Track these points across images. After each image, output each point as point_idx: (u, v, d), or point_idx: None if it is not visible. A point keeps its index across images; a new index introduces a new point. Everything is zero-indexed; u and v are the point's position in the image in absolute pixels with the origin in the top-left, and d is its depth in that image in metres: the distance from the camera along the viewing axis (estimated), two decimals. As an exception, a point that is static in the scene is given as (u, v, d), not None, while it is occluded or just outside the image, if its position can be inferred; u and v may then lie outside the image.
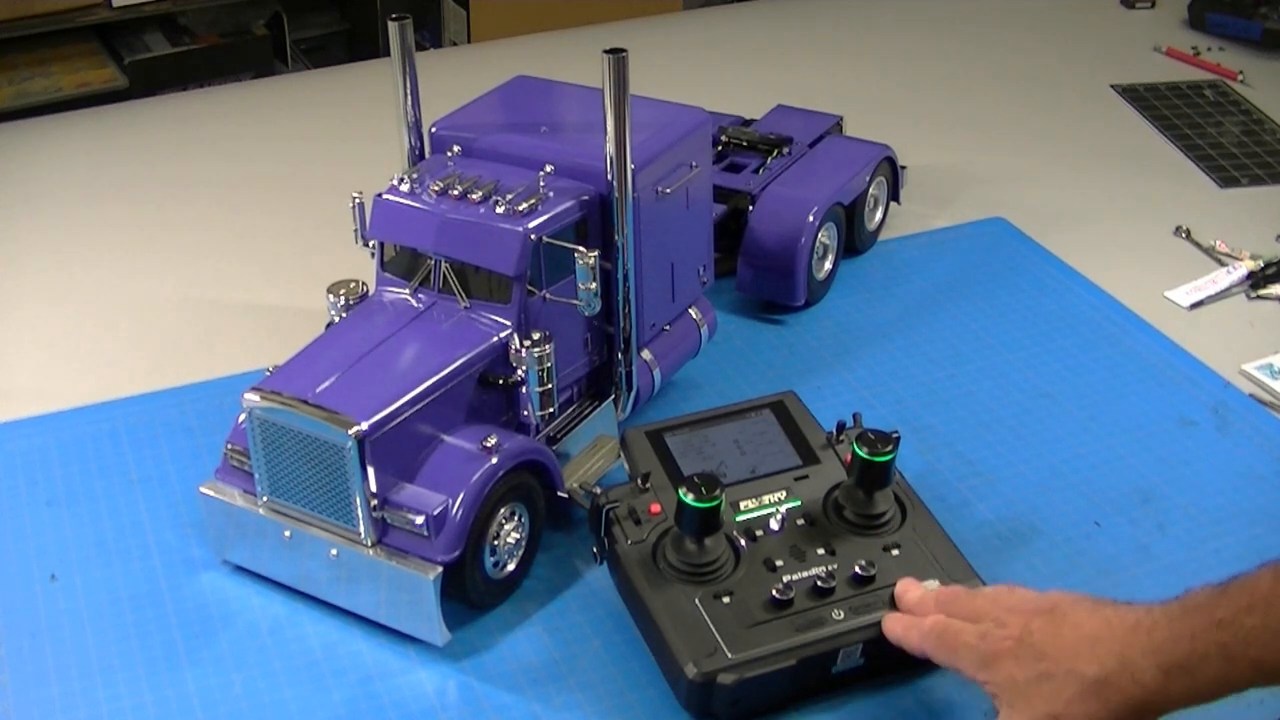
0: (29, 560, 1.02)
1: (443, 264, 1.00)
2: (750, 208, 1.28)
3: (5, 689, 0.92)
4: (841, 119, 1.46)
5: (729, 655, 0.86)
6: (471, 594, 0.94)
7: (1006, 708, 0.80)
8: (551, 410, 1.00)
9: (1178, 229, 1.43)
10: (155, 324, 1.30)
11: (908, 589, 0.89)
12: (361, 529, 0.92)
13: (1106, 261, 1.37)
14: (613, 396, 1.08)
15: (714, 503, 0.89)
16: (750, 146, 1.37)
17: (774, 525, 0.95)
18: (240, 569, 1.00)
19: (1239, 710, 0.89)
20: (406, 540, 0.92)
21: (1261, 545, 1.02)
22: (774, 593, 0.90)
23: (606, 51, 0.96)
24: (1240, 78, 1.78)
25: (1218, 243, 1.40)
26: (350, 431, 0.90)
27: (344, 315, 1.03)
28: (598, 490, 0.96)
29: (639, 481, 0.97)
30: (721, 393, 1.18)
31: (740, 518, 0.95)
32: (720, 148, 1.37)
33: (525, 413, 1.00)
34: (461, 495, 0.91)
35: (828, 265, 1.32)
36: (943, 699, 0.90)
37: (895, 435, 0.95)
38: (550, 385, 0.98)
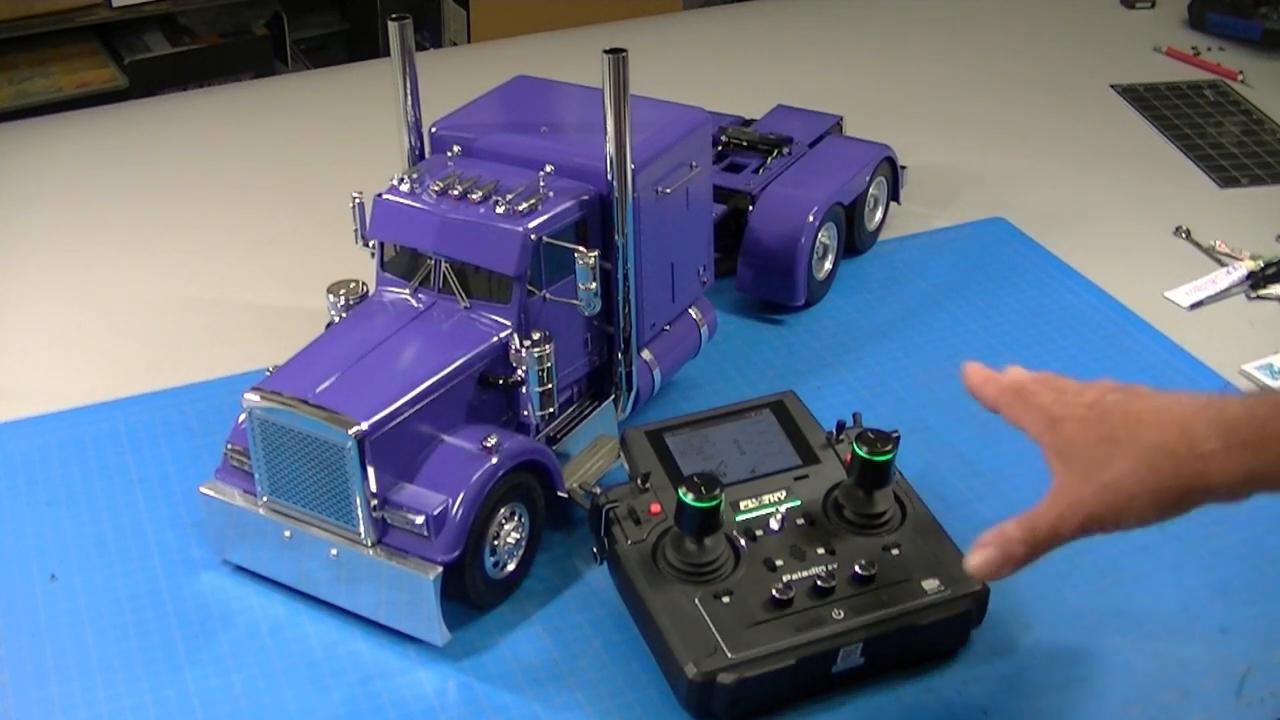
0: (29, 560, 1.02)
1: (443, 264, 1.00)
2: (750, 208, 1.28)
3: (5, 689, 0.92)
4: (841, 119, 1.46)
5: (729, 655, 0.86)
6: (471, 594, 0.94)
7: (1065, 471, 0.79)
8: (551, 410, 1.00)
9: (1178, 229, 1.43)
10: (155, 324, 1.30)
11: (974, 369, 0.88)
12: (361, 529, 0.92)
13: (1106, 261, 1.37)
14: (613, 396, 1.08)
15: (714, 502, 0.89)
16: (750, 146, 1.37)
17: (774, 525, 0.95)
18: (240, 569, 1.00)
19: (1239, 710, 0.89)
20: (406, 540, 0.92)
21: (1262, 545, 1.02)
22: (774, 592, 0.90)
23: (606, 51, 0.96)
24: (1240, 78, 1.78)
25: (1218, 243, 1.40)
26: (350, 431, 0.90)
27: (344, 315, 1.03)
28: (598, 490, 0.96)
29: (639, 481, 0.97)
30: (721, 393, 1.18)
31: (740, 518, 0.95)
32: (720, 148, 1.37)
33: (525, 413, 1.00)
34: (461, 495, 0.91)
35: (828, 265, 1.32)
36: (943, 699, 0.90)
37: (895, 435, 0.95)
38: (550, 385, 0.98)
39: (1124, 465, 0.76)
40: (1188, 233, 1.42)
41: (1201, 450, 0.74)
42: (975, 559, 0.80)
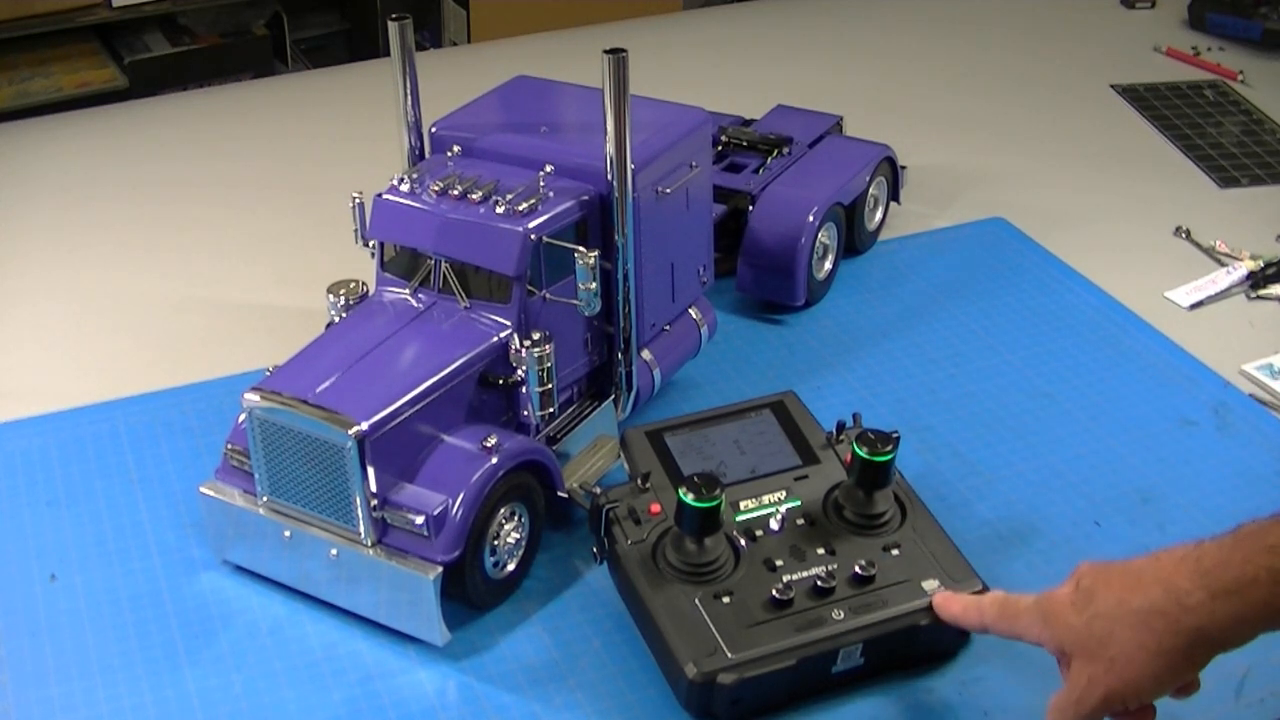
0: (29, 560, 1.02)
1: (443, 264, 1.00)
2: (750, 208, 1.28)
3: (5, 689, 0.92)
4: (841, 119, 1.46)
5: (729, 655, 0.86)
6: (471, 594, 0.94)
7: (1073, 660, 0.80)
8: (551, 410, 1.00)
9: (1178, 229, 1.43)
10: (155, 324, 1.30)
11: (948, 599, 0.90)
12: (361, 529, 0.92)
13: (1106, 261, 1.37)
14: (613, 396, 1.08)
15: (714, 502, 0.89)
16: (750, 146, 1.37)
17: (774, 525, 0.95)
18: (240, 569, 1.00)
19: (1239, 710, 0.89)
20: (406, 540, 0.92)
21: (1261, 545, 1.02)
22: (774, 593, 0.90)
23: (606, 51, 0.96)
24: (1240, 78, 1.78)
25: (1218, 243, 1.40)
26: (350, 431, 0.90)
27: (344, 315, 1.03)
28: (598, 490, 0.96)
29: (639, 481, 0.97)
30: (721, 393, 1.18)
31: (740, 518, 0.95)
32: (720, 148, 1.37)
33: (525, 413, 1.00)
34: (461, 495, 0.91)
35: (828, 265, 1.32)
36: (943, 699, 0.90)
37: (895, 435, 0.95)
38: (550, 385, 0.98)
39: (1122, 635, 0.77)
40: (1188, 233, 1.42)
41: (1188, 604, 0.75)
42: None
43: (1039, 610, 0.82)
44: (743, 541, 0.93)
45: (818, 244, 1.28)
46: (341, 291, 1.04)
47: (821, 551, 0.93)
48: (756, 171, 1.33)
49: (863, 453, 0.94)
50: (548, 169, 1.02)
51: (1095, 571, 0.80)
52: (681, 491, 0.90)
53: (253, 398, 0.93)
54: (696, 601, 0.89)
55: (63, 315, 1.32)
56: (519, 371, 0.98)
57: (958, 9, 2.01)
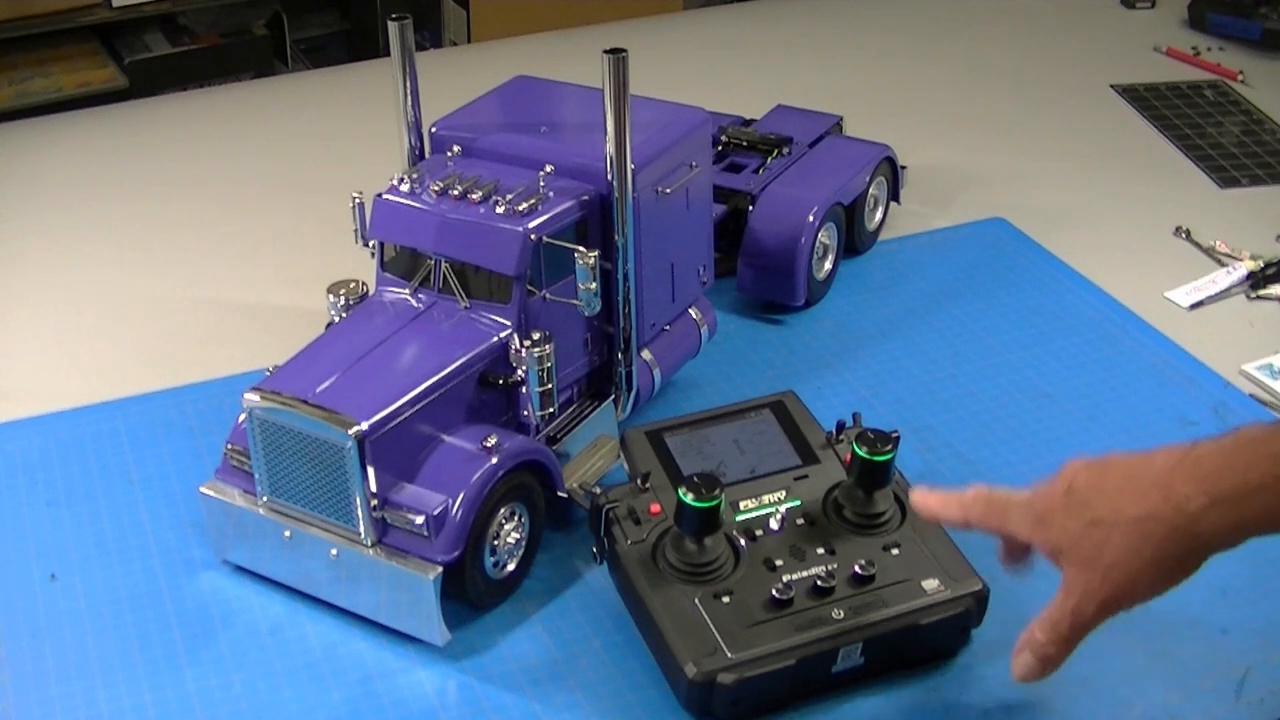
0: (29, 560, 1.02)
1: (443, 264, 1.00)
2: (750, 208, 1.28)
3: (5, 689, 0.92)
4: (841, 119, 1.46)
5: (729, 655, 0.86)
6: (471, 594, 0.94)
7: (1066, 565, 0.79)
8: (551, 410, 1.00)
9: (1178, 229, 1.43)
10: (155, 324, 1.30)
11: (925, 495, 0.87)
12: (361, 529, 0.92)
13: (1106, 261, 1.37)
14: (613, 396, 1.08)
15: (714, 502, 0.89)
16: (750, 146, 1.37)
17: (774, 525, 0.95)
18: (240, 569, 1.00)
19: (1239, 710, 0.89)
20: (406, 540, 0.92)
21: (1261, 545, 1.01)
22: (774, 592, 0.90)
23: (606, 51, 0.96)
24: (1240, 78, 1.78)
25: (1218, 243, 1.40)
26: (350, 431, 0.90)
27: (344, 315, 1.03)
28: (598, 490, 0.96)
29: (639, 481, 0.97)
30: (721, 393, 1.18)
31: (740, 517, 0.95)
32: (720, 148, 1.37)
33: (525, 413, 1.00)
34: (461, 495, 0.91)
35: (828, 265, 1.32)
36: (942, 699, 0.90)
37: (895, 435, 0.95)
38: (550, 385, 0.98)
39: (1119, 543, 0.76)
40: (1188, 233, 1.42)
41: (1188, 510, 0.74)
42: (1016, 668, 0.82)
43: (1031, 511, 0.81)
44: (743, 541, 0.93)
45: (818, 244, 1.28)
46: (341, 291, 1.04)
47: (821, 551, 0.93)
48: (756, 171, 1.33)
49: (862, 452, 0.94)
50: (548, 169, 1.02)
51: (1089, 472, 0.78)
52: (681, 491, 0.90)
53: (253, 398, 0.93)
54: (696, 601, 0.89)
55: (63, 315, 1.32)
56: (519, 371, 0.98)
57: (957, 9, 2.01)
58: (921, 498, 0.88)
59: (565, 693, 0.91)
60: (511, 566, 0.98)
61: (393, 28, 1.06)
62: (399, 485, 0.93)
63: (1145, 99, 1.73)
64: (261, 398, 0.93)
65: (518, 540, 0.97)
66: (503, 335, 0.98)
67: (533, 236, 0.97)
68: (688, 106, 1.12)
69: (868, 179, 1.35)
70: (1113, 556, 0.76)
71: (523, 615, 0.97)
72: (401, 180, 1.03)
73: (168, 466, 1.11)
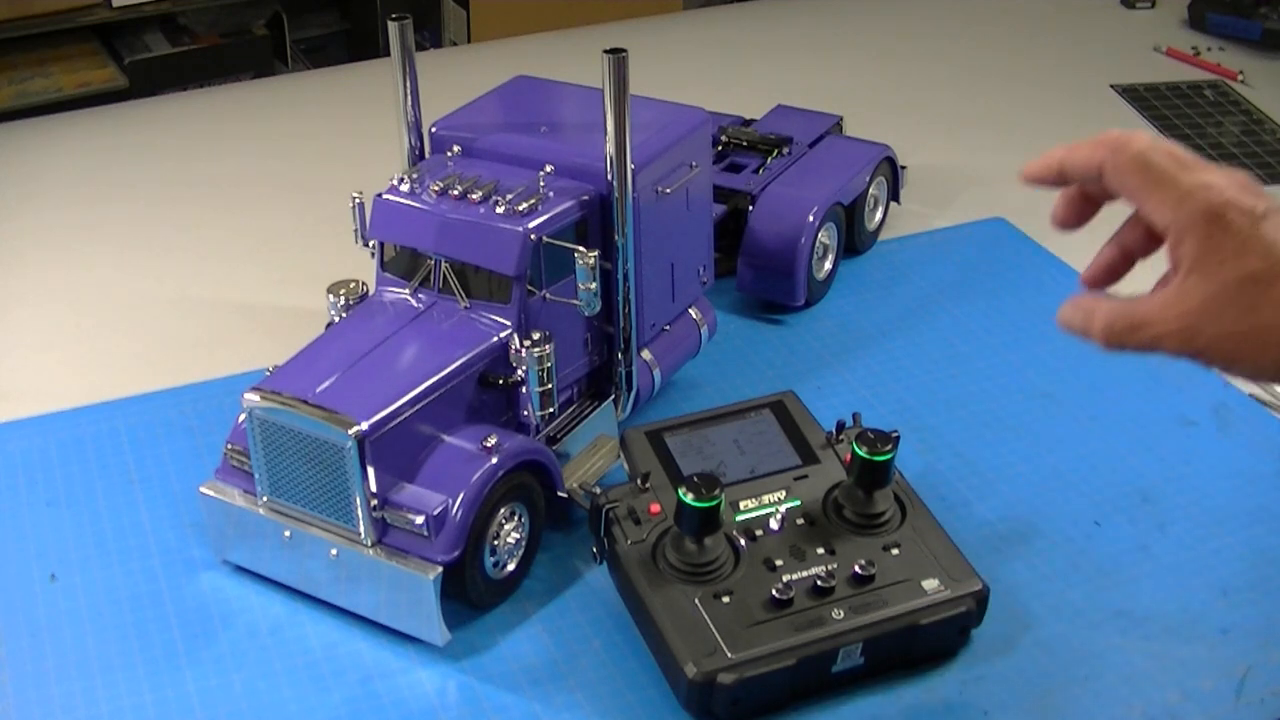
0: (29, 560, 1.02)
1: (443, 264, 1.00)
2: (750, 208, 1.28)
3: (5, 689, 0.92)
4: (841, 119, 1.46)
5: (729, 655, 0.86)
6: (471, 594, 0.94)
7: (1193, 282, 0.69)
8: (551, 410, 1.00)
9: (1178, 229, 1.43)
10: (155, 324, 1.30)
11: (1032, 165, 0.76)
12: (361, 529, 0.92)
13: (1106, 261, 1.37)
14: (613, 396, 1.08)
15: (714, 502, 0.89)
16: (750, 146, 1.37)
17: (774, 525, 0.95)
18: (240, 569, 1.00)
19: (1239, 710, 0.89)
20: (406, 540, 0.92)
21: (1262, 545, 1.02)
22: (774, 592, 0.90)
23: (606, 51, 0.96)
24: (1240, 78, 1.78)
25: (1218, 243, 1.40)
26: (350, 431, 0.90)
27: (344, 315, 1.03)
28: (598, 490, 0.96)
29: (639, 481, 0.97)
30: (721, 393, 1.18)
31: (740, 517, 0.95)
32: (720, 148, 1.37)
33: (525, 413, 1.00)
34: (461, 495, 0.91)
35: (828, 265, 1.32)
36: (943, 699, 0.90)
37: (895, 435, 0.95)
38: (550, 385, 0.98)
39: (1273, 321, 0.65)
40: (1188, 233, 1.42)
41: None
42: (1063, 312, 0.77)
43: (1207, 205, 0.70)
44: (742, 541, 0.93)
45: (818, 244, 1.28)
46: (341, 291, 1.04)
47: (821, 551, 0.93)
48: (756, 171, 1.33)
49: (862, 452, 0.94)
50: (548, 169, 1.02)
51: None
52: (681, 491, 0.90)
53: (253, 398, 0.93)
54: (696, 601, 0.89)
55: (63, 315, 1.32)
56: (519, 371, 0.98)
57: (957, 8, 2.01)
58: (1031, 168, 0.77)
59: (565, 693, 0.91)
60: (511, 566, 0.98)
61: (393, 28, 1.06)
62: (399, 485, 0.93)
63: (1145, 99, 1.73)
64: (261, 398, 0.93)
65: (518, 540, 0.97)
66: (503, 335, 0.98)
67: (533, 236, 0.97)
68: (688, 106, 1.12)
69: (868, 179, 1.35)
70: (1256, 323, 0.66)
71: (523, 615, 0.97)
72: (401, 180, 1.03)
73: (168, 466, 1.11)
